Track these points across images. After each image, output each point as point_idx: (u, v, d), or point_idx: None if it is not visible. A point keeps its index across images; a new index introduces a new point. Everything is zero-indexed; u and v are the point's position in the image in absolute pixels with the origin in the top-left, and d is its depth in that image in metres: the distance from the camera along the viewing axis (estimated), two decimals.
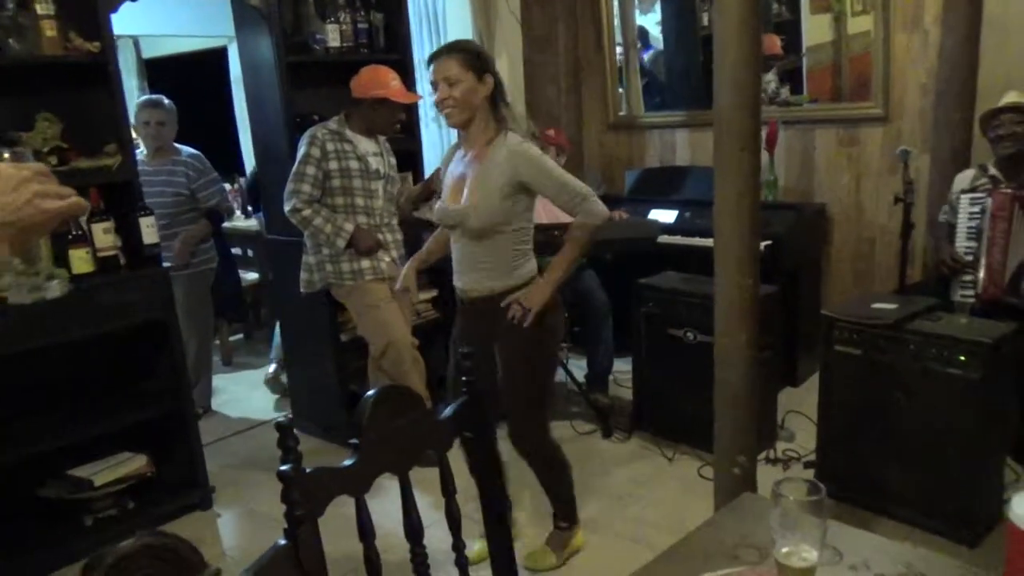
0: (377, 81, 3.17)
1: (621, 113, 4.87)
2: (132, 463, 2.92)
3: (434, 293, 3.85)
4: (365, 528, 1.18)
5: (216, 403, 4.26)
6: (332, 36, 3.54)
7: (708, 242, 3.87)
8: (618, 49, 4.79)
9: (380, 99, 3.16)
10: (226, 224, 4.84)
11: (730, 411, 1.97)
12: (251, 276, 5.03)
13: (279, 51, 3.31)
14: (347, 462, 1.18)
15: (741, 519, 1.39)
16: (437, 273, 3.65)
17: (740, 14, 1.80)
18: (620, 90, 4.85)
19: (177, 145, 3.98)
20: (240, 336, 5.38)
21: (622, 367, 3.98)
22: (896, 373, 2.71)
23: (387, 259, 3.29)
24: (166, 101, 3.93)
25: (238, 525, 3.11)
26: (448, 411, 1.35)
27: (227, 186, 5.53)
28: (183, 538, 0.88)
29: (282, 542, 0.97)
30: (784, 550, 1.10)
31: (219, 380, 4.54)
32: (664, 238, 3.92)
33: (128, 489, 2.92)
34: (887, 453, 2.76)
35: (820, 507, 1.11)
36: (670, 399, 3.45)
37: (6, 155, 1.00)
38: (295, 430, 1.04)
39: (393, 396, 1.25)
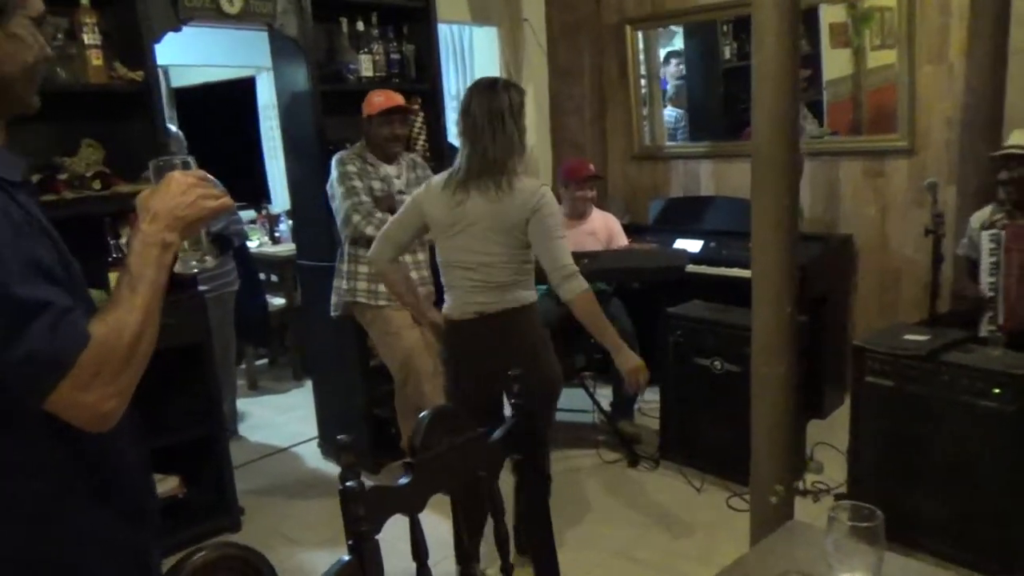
0: (366, 103, 3.25)
1: (645, 143, 4.92)
2: (164, 484, 2.94)
3: None
4: (419, 547, 1.19)
5: (242, 427, 4.28)
6: (365, 66, 3.61)
7: (734, 272, 3.97)
8: (641, 81, 4.86)
9: (367, 117, 3.24)
10: (254, 249, 4.91)
11: (767, 440, 1.97)
12: (278, 301, 5.07)
13: (313, 81, 3.38)
14: (402, 481, 1.20)
15: (789, 546, 1.39)
16: None
17: (778, 48, 1.83)
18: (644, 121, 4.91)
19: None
20: (265, 360, 5.42)
21: (647, 396, 3.96)
22: (928, 405, 2.69)
23: None
24: (173, 130, 3.99)
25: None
26: (498, 433, 1.36)
27: (252, 212, 5.63)
28: (254, 549, 0.90)
29: (345, 558, 0.99)
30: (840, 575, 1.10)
31: (244, 404, 4.57)
32: (690, 268, 3.94)
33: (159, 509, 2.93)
34: (919, 485, 2.73)
35: (877, 534, 1.11)
36: (698, 428, 3.44)
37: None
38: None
39: (447, 417, 1.26)
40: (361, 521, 0.99)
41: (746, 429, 2.65)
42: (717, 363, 3.35)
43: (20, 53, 1.10)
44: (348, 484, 1.00)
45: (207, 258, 1.26)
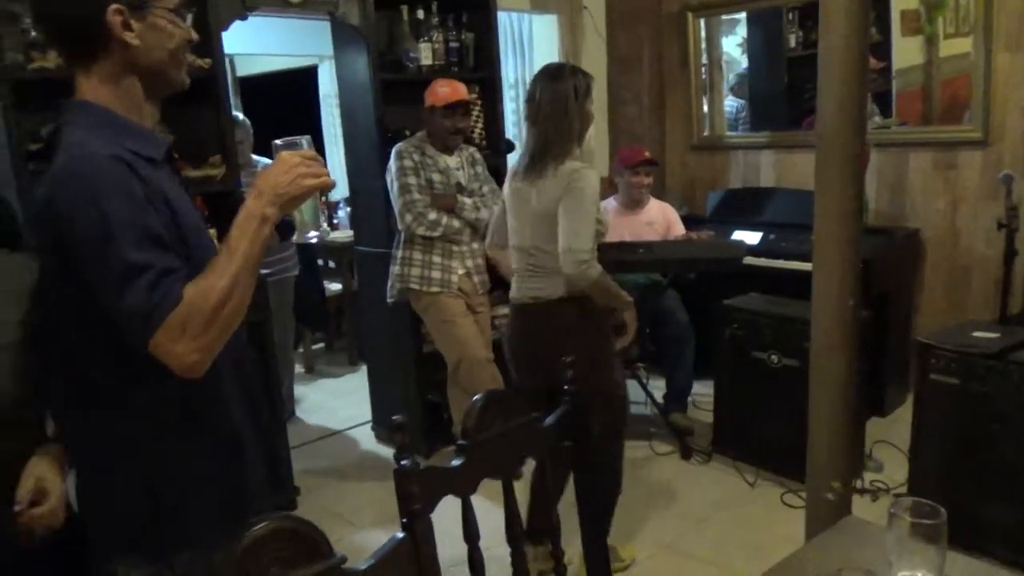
0: (430, 91, 3.26)
1: (704, 133, 4.85)
2: None
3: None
4: (471, 529, 1.21)
5: (298, 410, 4.38)
6: (425, 55, 3.63)
7: (794, 265, 3.89)
8: (702, 69, 4.78)
9: (429, 107, 3.25)
10: (313, 236, 5.00)
11: (826, 435, 1.92)
12: (334, 287, 5.16)
13: (374, 69, 3.41)
14: (455, 463, 1.21)
15: (846, 542, 1.36)
16: None
17: (846, 32, 1.77)
18: (704, 110, 4.83)
19: (255, 157, 4.12)
20: (321, 345, 5.52)
21: (700, 390, 3.93)
22: (996, 405, 2.60)
23: (461, 271, 3.32)
24: (241, 117, 4.07)
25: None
26: (551, 419, 1.36)
27: (312, 235, 5.69)
28: (311, 523, 0.92)
29: (399, 535, 1.00)
30: (902, 574, 1.07)
31: (300, 387, 4.67)
32: (748, 260, 3.86)
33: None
34: (984, 488, 2.64)
35: (939, 532, 1.08)
36: (752, 423, 3.39)
37: (303, 144, 1.31)
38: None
39: (500, 400, 1.27)
40: (414, 499, 1.00)
41: (802, 425, 2.59)
42: (774, 357, 3.29)
43: (162, 41, 1.26)
44: (403, 463, 1.02)
45: (311, 232, 1.37)
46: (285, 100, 6.52)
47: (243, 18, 3.02)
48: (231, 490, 1.37)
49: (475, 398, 1.25)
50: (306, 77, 6.77)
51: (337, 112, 6.34)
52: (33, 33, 2.62)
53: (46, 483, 1.39)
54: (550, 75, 2.42)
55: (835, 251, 1.85)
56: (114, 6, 1.21)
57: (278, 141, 1.32)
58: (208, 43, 2.85)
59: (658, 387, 3.89)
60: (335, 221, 5.50)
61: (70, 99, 1.28)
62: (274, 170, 1.25)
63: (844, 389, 1.91)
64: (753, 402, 3.39)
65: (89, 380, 1.28)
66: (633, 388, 3.82)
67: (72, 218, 1.16)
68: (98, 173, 1.17)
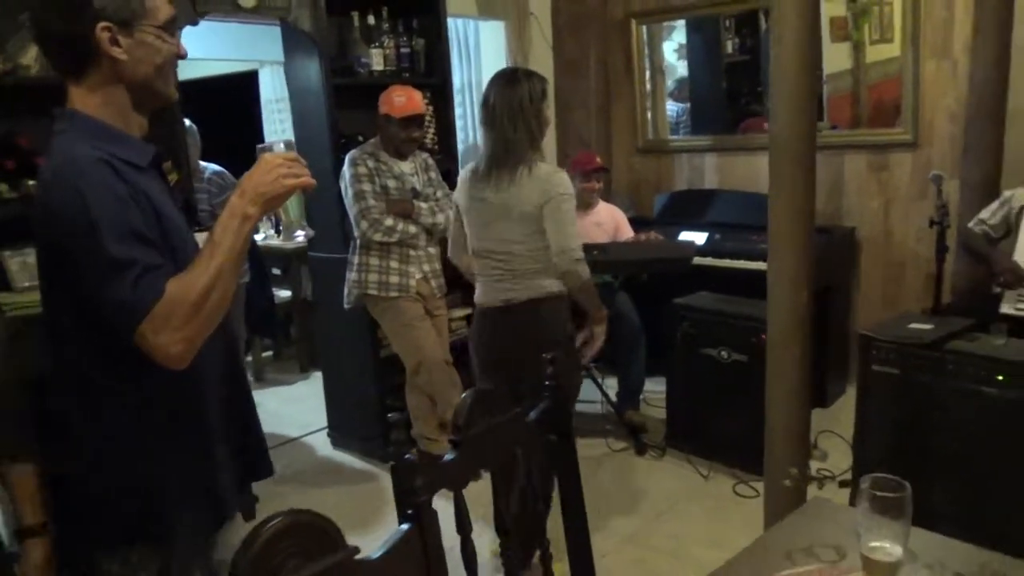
0: (385, 98, 3.27)
1: (649, 137, 4.97)
2: None
3: (468, 311, 3.90)
4: (463, 521, 1.24)
5: None
6: (376, 60, 3.64)
7: (740, 264, 4.03)
8: (646, 74, 4.90)
9: (385, 115, 3.27)
10: (260, 242, 4.94)
11: (782, 423, 2.02)
12: (284, 294, 5.10)
13: (326, 74, 3.41)
14: (448, 457, 1.24)
15: (813, 521, 1.44)
16: (471, 292, 3.73)
17: (798, 41, 1.87)
18: (648, 114, 4.96)
19: (202, 163, 4.06)
20: (270, 353, 5.45)
21: (652, 387, 4.03)
22: (934, 393, 2.75)
23: (418, 275, 3.34)
24: (188, 123, 4.01)
25: None
26: (534, 414, 1.41)
27: (299, 234, 5.62)
28: (325, 516, 0.94)
29: (406, 526, 1.03)
30: (871, 544, 1.15)
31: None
32: (696, 260, 3.98)
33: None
34: (926, 472, 2.78)
35: (905, 504, 1.16)
36: (704, 417, 3.50)
37: (281, 147, 1.34)
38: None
39: (488, 397, 1.31)
40: (419, 491, 1.03)
41: (752, 418, 2.70)
42: (724, 353, 3.40)
43: (150, 56, 1.31)
44: (407, 456, 1.05)
45: (299, 232, 1.39)
46: (224, 106, 6.40)
47: (194, 23, 2.99)
48: (207, 488, 1.43)
49: (464, 394, 1.28)
50: (246, 82, 6.67)
51: (279, 117, 6.29)
52: None
53: None
54: (505, 79, 2.46)
55: (789, 247, 1.95)
56: (102, 23, 1.26)
57: (260, 144, 1.36)
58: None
59: (611, 386, 3.97)
60: (281, 228, 5.43)
61: (62, 108, 1.33)
62: (256, 171, 1.30)
63: (799, 379, 2.01)
64: (704, 397, 3.50)
65: (80, 375, 1.34)
66: (588, 387, 3.91)
67: (61, 217, 1.23)
68: (84, 175, 1.23)
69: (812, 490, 3.15)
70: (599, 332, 2.63)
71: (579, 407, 4.00)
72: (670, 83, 4.91)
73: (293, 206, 5.08)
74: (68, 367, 1.36)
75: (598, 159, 3.94)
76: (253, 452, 1.58)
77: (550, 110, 2.55)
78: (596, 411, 4.03)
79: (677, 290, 3.68)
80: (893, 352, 2.87)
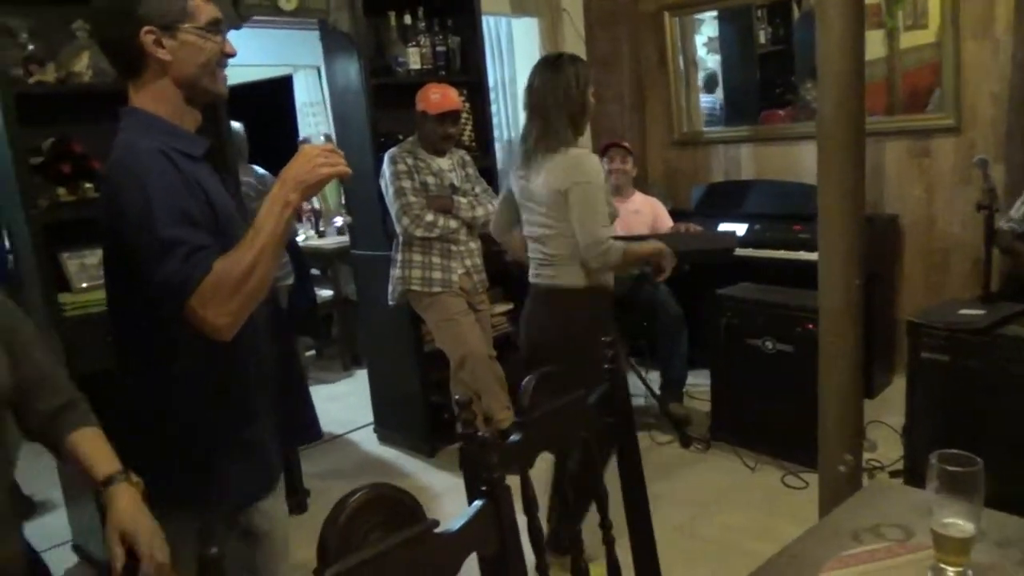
0: (421, 96, 3.32)
1: (684, 129, 4.95)
2: None
3: (510, 306, 3.93)
4: (530, 501, 1.26)
5: None
6: (413, 59, 3.68)
7: (780, 254, 4.00)
8: (680, 67, 4.88)
9: (422, 113, 3.31)
10: (301, 243, 5.01)
11: (836, 410, 2.01)
12: (325, 293, 5.17)
13: (365, 74, 3.45)
14: (513, 439, 1.26)
15: (876, 503, 1.43)
16: (513, 286, 3.76)
17: (844, 25, 1.86)
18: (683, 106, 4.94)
19: (251, 167, 4.13)
20: (312, 352, 5.53)
21: (694, 380, 4.01)
22: (986, 379, 2.71)
23: (460, 271, 3.37)
24: (236, 125, 4.08)
25: None
26: (593, 397, 1.42)
27: (338, 220, 5.72)
28: (406, 490, 0.97)
29: (480, 501, 1.05)
30: (944, 521, 1.15)
31: None
32: (737, 250, 3.96)
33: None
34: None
35: (977, 479, 1.16)
36: (749, 409, 3.47)
37: (321, 139, 1.35)
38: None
39: (550, 379, 1.32)
40: (494, 468, 1.05)
41: (800, 408, 2.68)
42: (769, 343, 3.38)
43: (193, 56, 1.42)
44: (479, 435, 1.07)
45: (337, 219, 1.43)
46: (261, 109, 6.51)
47: (237, 28, 3.04)
48: (253, 455, 1.54)
49: (528, 377, 1.30)
50: (281, 87, 6.78)
51: (313, 120, 6.39)
52: (31, 47, 2.63)
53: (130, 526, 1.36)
54: (549, 64, 2.48)
55: (840, 233, 1.93)
56: (146, 27, 1.38)
57: (301, 137, 1.44)
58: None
59: (653, 380, 3.96)
60: (322, 229, 5.51)
61: (124, 107, 1.45)
62: (296, 160, 1.38)
63: (852, 364, 2.00)
64: (749, 388, 3.47)
65: (137, 355, 1.45)
66: (630, 380, 3.91)
67: (120, 202, 1.35)
68: (141, 164, 1.34)
69: (863, 480, 3.13)
70: (665, 264, 2.60)
71: None
72: (703, 75, 4.89)
73: (331, 195, 5.16)
74: (128, 350, 1.48)
75: (618, 141, 3.97)
76: (303, 418, 1.73)
77: (593, 96, 2.55)
78: (639, 404, 4.02)
79: (717, 281, 3.66)
80: (943, 338, 2.83)
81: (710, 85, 4.88)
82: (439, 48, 3.77)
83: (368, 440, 4.00)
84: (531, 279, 2.61)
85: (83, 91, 2.67)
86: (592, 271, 2.46)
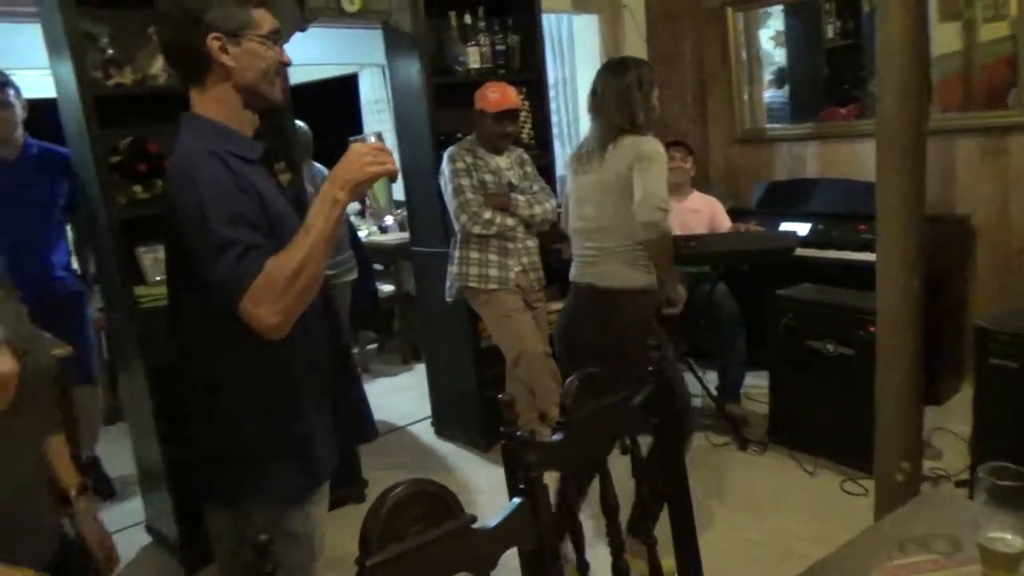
0: (480, 95, 3.35)
1: (747, 126, 4.88)
2: None
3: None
4: (571, 500, 1.28)
5: None
6: (473, 58, 3.72)
7: (845, 255, 3.91)
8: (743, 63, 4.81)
9: (480, 111, 3.34)
10: (364, 239, 5.13)
11: (893, 414, 1.97)
12: (387, 288, 5.28)
13: (426, 74, 3.51)
14: (555, 438, 1.28)
15: (928, 512, 1.41)
16: (568, 282, 3.77)
17: (905, 16, 1.82)
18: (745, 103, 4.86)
19: (317, 165, 4.24)
20: (375, 345, 5.65)
21: (752, 381, 3.96)
22: None
23: (517, 268, 3.40)
24: (301, 125, 4.19)
25: None
26: (639, 398, 1.43)
27: (388, 219, 5.86)
28: (444, 486, 1.00)
29: (518, 499, 1.08)
30: (989, 535, 1.12)
31: None
32: (798, 251, 3.89)
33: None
34: None
35: None
36: (808, 412, 3.41)
37: (371, 138, 1.45)
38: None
39: (594, 380, 1.34)
40: (531, 467, 1.08)
41: (860, 413, 2.62)
42: (830, 346, 3.31)
43: (255, 63, 1.48)
44: (519, 434, 1.10)
45: (387, 218, 1.47)
46: (327, 108, 6.67)
47: (303, 29, 3.13)
48: (299, 452, 1.55)
49: (571, 377, 1.32)
50: (347, 85, 6.92)
51: (378, 118, 6.50)
52: (110, 51, 2.76)
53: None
54: (612, 68, 2.52)
55: (898, 234, 1.90)
56: (213, 34, 1.45)
57: (352, 137, 1.48)
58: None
59: (711, 380, 3.92)
60: (384, 224, 5.62)
61: (185, 112, 1.51)
62: (345, 159, 1.42)
63: (910, 368, 1.95)
64: (809, 391, 3.41)
65: (194, 352, 1.51)
66: (688, 380, 3.88)
67: (178, 204, 1.41)
68: (197, 168, 1.41)
69: (926, 489, 3.04)
70: (676, 296, 2.62)
71: None
72: (768, 71, 4.80)
73: (381, 194, 5.24)
74: (184, 345, 1.54)
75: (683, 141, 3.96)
76: (358, 419, 1.74)
77: (658, 99, 2.57)
78: (695, 405, 3.98)
79: (778, 281, 3.61)
80: (1012, 344, 2.73)
81: (775, 81, 4.79)
82: (499, 47, 3.80)
83: (426, 433, 4.07)
84: (573, 277, 2.63)
85: (158, 92, 2.80)
86: (636, 271, 2.47)
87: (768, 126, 4.83)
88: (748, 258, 3.62)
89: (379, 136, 1.48)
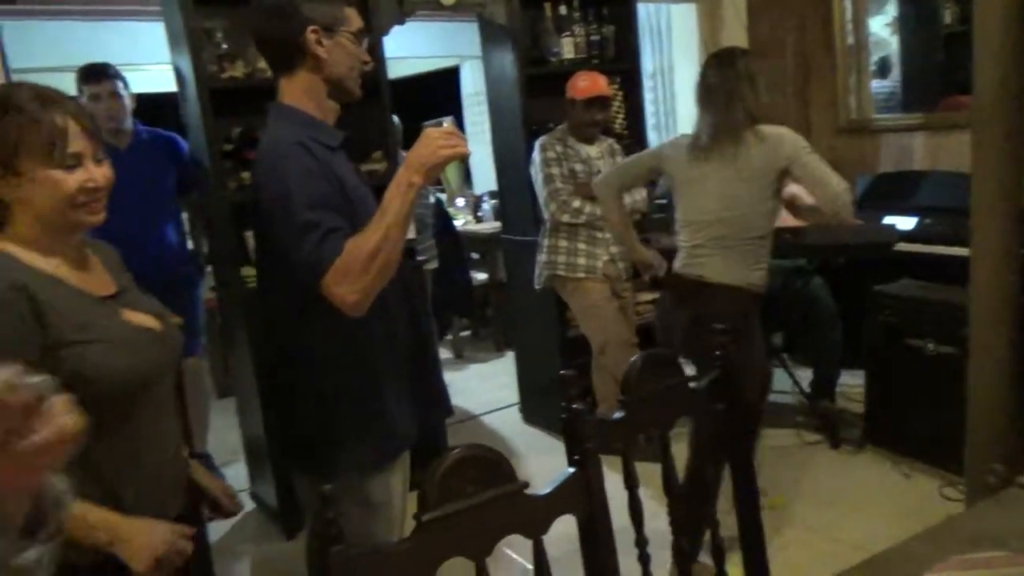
0: (570, 84, 3.38)
1: (852, 116, 4.70)
2: None
3: (655, 295, 3.93)
4: (630, 475, 1.31)
5: (449, 392, 4.62)
6: (567, 49, 3.76)
7: (952, 250, 3.71)
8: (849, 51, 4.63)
9: (570, 99, 3.37)
10: (460, 228, 5.26)
11: (986, 413, 1.89)
12: (481, 276, 5.39)
13: (520, 65, 3.57)
14: (615, 416, 1.32)
15: (1010, 511, 1.36)
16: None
17: (1005, 3, 1.74)
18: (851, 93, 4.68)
19: (401, 152, 4.35)
20: (468, 332, 5.79)
21: (848, 379, 3.83)
22: None
23: (605, 257, 3.41)
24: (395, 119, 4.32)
25: None
26: (704, 383, 1.44)
27: (460, 200, 6.01)
28: (499, 452, 1.06)
29: (570, 470, 1.12)
30: None
31: (450, 372, 4.91)
32: (901, 245, 3.74)
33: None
34: None
35: None
36: (907, 412, 3.28)
37: (444, 123, 1.54)
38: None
39: (656, 361, 1.36)
40: (586, 439, 1.12)
41: (962, 415, 2.50)
42: (930, 344, 3.18)
43: (344, 57, 1.59)
44: (574, 407, 1.14)
45: (459, 199, 1.54)
46: (429, 100, 6.84)
47: (401, 22, 3.25)
48: (377, 427, 1.63)
49: (635, 356, 1.35)
50: (449, 77, 7.08)
51: (479, 109, 6.63)
52: (224, 46, 2.95)
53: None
54: (720, 58, 2.52)
55: (994, 225, 1.81)
56: (312, 27, 1.55)
57: (426, 122, 1.57)
58: (371, 49, 3.09)
59: (805, 377, 3.83)
60: (480, 214, 5.73)
61: (273, 102, 1.63)
62: (419, 144, 1.49)
63: (1004, 369, 1.87)
64: (907, 391, 3.28)
65: (279, 331, 1.62)
66: (780, 377, 3.80)
67: (263, 188, 1.52)
68: (281, 155, 1.50)
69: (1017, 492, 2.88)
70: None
71: (770, 397, 3.90)
72: (875, 59, 4.61)
73: (453, 177, 5.38)
74: (271, 323, 1.65)
75: None
76: (438, 395, 1.82)
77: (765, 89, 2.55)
78: (787, 402, 3.90)
79: (880, 276, 3.48)
80: None
81: (881, 70, 4.60)
82: (593, 37, 3.82)
83: (513, 419, 4.16)
84: (679, 268, 2.62)
85: (266, 84, 2.95)
86: (747, 268, 2.47)
87: (876, 116, 4.63)
88: (845, 251, 3.51)
89: (451, 121, 1.56)
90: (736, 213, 2.45)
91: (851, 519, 2.93)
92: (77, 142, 1.23)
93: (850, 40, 4.61)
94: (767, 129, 2.44)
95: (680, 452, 1.47)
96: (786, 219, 3.61)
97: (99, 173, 1.27)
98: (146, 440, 1.32)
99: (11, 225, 1.25)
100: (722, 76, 2.46)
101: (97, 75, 3.08)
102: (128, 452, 1.28)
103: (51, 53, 4.47)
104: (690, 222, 2.58)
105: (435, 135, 1.47)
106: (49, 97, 1.22)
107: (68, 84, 4.70)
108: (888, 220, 4.05)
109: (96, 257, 1.38)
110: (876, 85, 4.63)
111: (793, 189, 2.57)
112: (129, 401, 1.28)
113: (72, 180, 1.23)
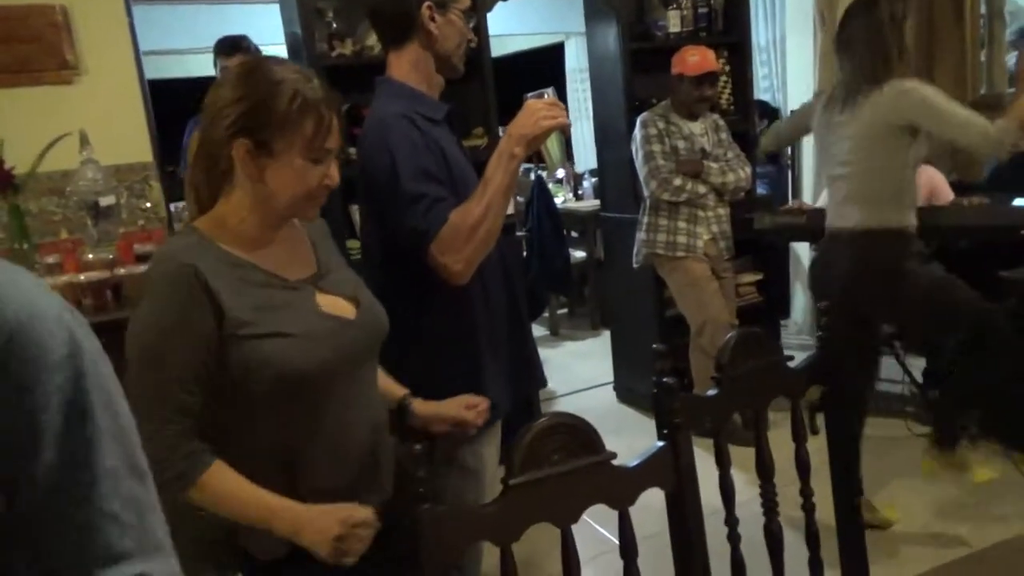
0: (678, 59, 3.31)
1: (982, 91, 4.39)
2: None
3: (759, 276, 3.83)
4: (723, 457, 1.29)
5: (544, 369, 4.65)
6: (673, 22, 3.67)
7: None
8: (980, 20, 4.32)
9: (678, 75, 3.29)
10: (560, 206, 5.26)
11: None
12: (579, 254, 5.38)
13: (623, 39, 3.52)
14: (709, 393, 1.30)
15: None
16: (763, 256, 3.66)
17: None
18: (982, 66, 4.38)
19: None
20: (565, 310, 5.79)
21: None
22: None
23: (706, 236, 3.34)
24: None
25: None
26: (802, 363, 1.40)
27: (560, 172, 6.00)
28: (587, 422, 1.07)
29: (659, 444, 1.12)
30: None
31: (545, 349, 4.94)
32: None
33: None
34: None
35: None
36: None
37: (547, 95, 1.54)
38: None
39: (752, 339, 1.34)
40: (675, 414, 1.11)
41: None
42: None
43: (454, 33, 1.63)
44: (664, 381, 1.13)
45: (559, 170, 1.54)
46: (533, 76, 6.83)
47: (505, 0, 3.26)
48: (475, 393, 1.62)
49: (730, 334, 1.33)
50: (554, 54, 7.05)
51: (582, 87, 6.58)
52: (335, 25, 3.05)
53: None
54: (862, 3, 2.41)
55: None
56: (427, 3, 1.59)
57: (528, 94, 1.56)
58: (475, 26, 3.12)
59: (917, 365, 3.64)
60: (580, 191, 5.71)
61: (381, 76, 1.68)
62: (520, 116, 1.51)
63: None
64: None
65: (383, 295, 1.59)
66: (890, 365, 3.63)
67: (371, 160, 1.56)
68: (388, 128, 1.54)
69: None
70: None
71: (880, 386, 3.74)
72: (1011, 29, 4.28)
73: (555, 148, 5.41)
74: (377, 295, 1.65)
75: None
76: (532, 367, 1.84)
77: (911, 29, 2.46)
78: (897, 391, 3.72)
79: (1006, 262, 3.26)
80: None
81: (1017, 41, 4.27)
82: (701, 9, 3.72)
83: (608, 398, 4.15)
84: (829, 223, 2.57)
85: (373, 62, 3.04)
86: (895, 212, 2.43)
87: (1010, 91, 4.31)
88: (967, 234, 3.30)
89: (552, 93, 1.56)
90: (871, 165, 2.40)
91: (957, 517, 2.82)
92: (333, 137, 1.21)
93: (983, 8, 4.30)
94: (897, 83, 2.33)
95: (776, 438, 1.41)
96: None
97: (335, 172, 1.25)
98: (337, 427, 1.25)
99: (224, 204, 1.22)
100: (859, 26, 2.38)
101: (235, 47, 3.23)
102: (316, 439, 1.22)
103: (179, 36, 4.74)
104: (832, 177, 2.55)
105: (536, 106, 1.49)
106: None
107: (193, 66, 5.00)
108: (1017, 203, 3.78)
109: (301, 230, 1.35)
110: (1011, 59, 4.31)
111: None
112: (311, 391, 1.20)
113: (318, 174, 1.21)
